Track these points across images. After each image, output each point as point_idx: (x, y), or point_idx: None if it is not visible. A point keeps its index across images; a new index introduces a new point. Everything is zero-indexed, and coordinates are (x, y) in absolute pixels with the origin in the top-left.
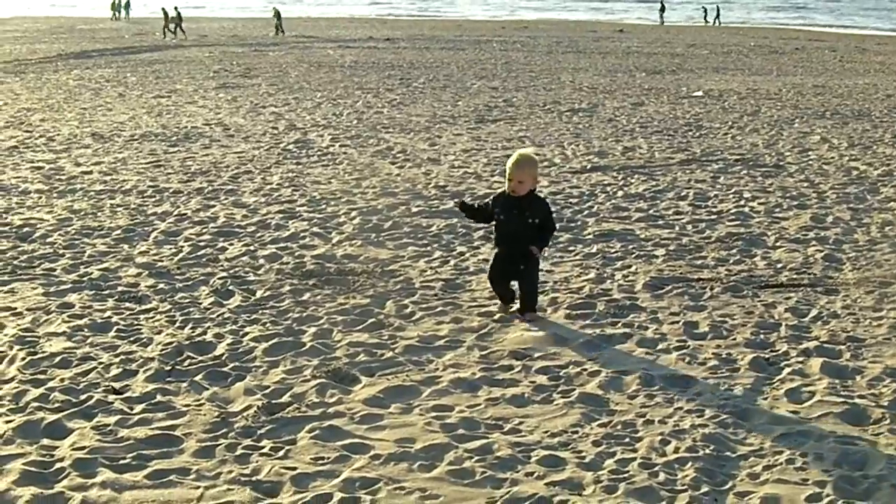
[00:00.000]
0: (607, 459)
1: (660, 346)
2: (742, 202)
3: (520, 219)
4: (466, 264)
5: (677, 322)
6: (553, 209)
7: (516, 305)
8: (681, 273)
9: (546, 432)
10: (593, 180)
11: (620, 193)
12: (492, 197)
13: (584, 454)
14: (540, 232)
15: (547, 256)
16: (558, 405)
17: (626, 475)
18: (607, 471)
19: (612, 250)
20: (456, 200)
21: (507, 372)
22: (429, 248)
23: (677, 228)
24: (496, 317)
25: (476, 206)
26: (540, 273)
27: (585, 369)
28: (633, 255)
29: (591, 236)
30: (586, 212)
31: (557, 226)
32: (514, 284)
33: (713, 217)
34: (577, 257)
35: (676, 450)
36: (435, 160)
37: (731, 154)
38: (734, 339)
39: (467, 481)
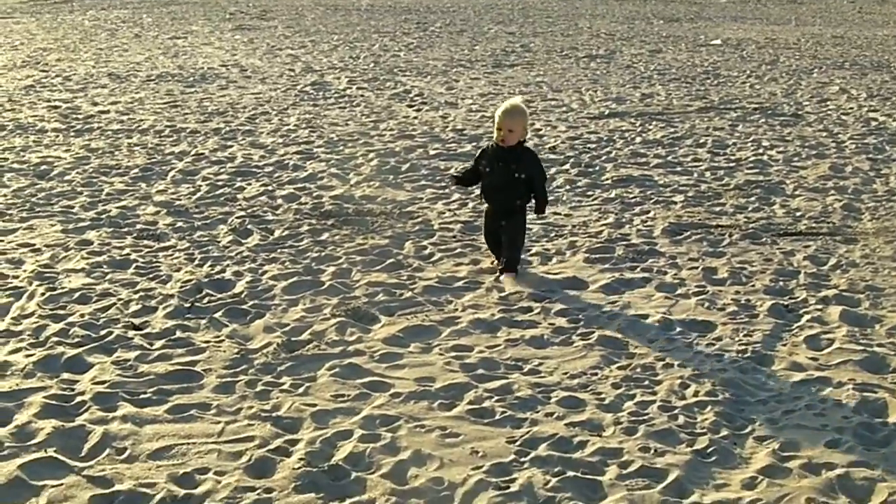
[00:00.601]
0: (627, 402)
1: (679, 291)
2: (760, 150)
3: (505, 171)
4: (485, 206)
5: (696, 268)
6: (546, 164)
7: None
8: (699, 219)
9: (565, 374)
10: (611, 126)
11: (638, 140)
12: (479, 151)
13: (603, 396)
14: (528, 189)
15: (565, 200)
16: (578, 347)
17: (645, 417)
18: (627, 413)
19: (631, 195)
20: (448, 175)
21: (526, 314)
22: (447, 191)
23: (696, 175)
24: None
25: (465, 169)
26: (536, 224)
27: (605, 312)
28: (652, 201)
29: (609, 181)
30: (604, 157)
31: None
32: None
33: (731, 165)
34: (596, 202)
35: (696, 393)
36: (452, 104)
37: (750, 103)
38: (753, 285)
39: (487, 420)
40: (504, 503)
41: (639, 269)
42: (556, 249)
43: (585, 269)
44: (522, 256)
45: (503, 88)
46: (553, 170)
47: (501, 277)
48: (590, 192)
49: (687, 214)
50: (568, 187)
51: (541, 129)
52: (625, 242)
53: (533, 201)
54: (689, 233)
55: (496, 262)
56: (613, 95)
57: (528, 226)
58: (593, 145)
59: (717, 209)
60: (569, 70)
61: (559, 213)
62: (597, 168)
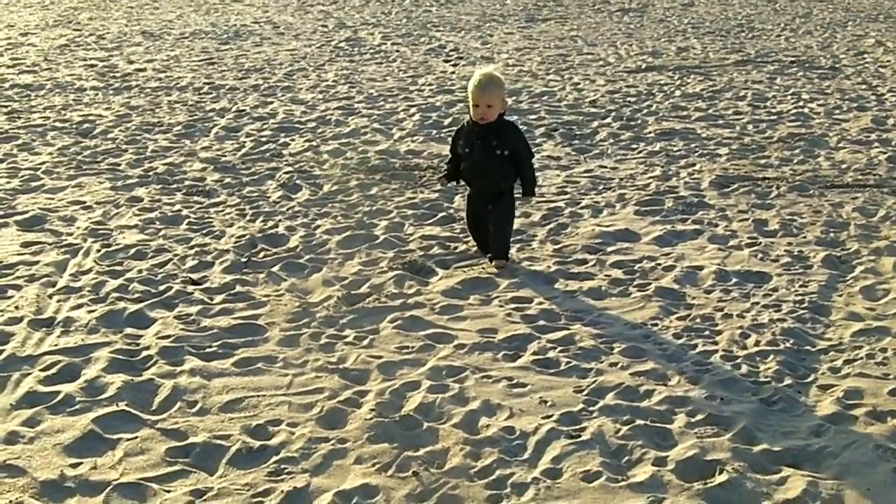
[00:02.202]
0: (689, 351)
1: (731, 243)
2: (801, 103)
3: (485, 150)
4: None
5: (746, 220)
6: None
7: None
8: (746, 172)
9: (626, 324)
10: (649, 80)
11: (678, 93)
12: (455, 131)
13: (665, 346)
14: (514, 168)
15: (612, 154)
16: (636, 298)
17: (708, 367)
18: (690, 362)
19: (675, 149)
20: (438, 179)
21: (581, 265)
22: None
23: (738, 128)
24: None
25: (448, 160)
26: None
27: (660, 264)
28: (697, 154)
29: (652, 134)
30: (645, 111)
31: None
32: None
33: (773, 118)
34: (641, 155)
35: (757, 343)
36: (488, 58)
37: (786, 56)
38: (804, 237)
39: (553, 370)
40: (576, 451)
41: (689, 222)
42: (606, 202)
43: (636, 222)
44: (572, 210)
45: (538, 43)
46: (595, 123)
47: (493, 264)
48: (634, 146)
49: (733, 167)
50: (612, 141)
51: (579, 84)
52: (673, 195)
53: (521, 183)
54: (736, 185)
55: (482, 254)
56: (649, 49)
57: (577, 177)
58: (633, 99)
59: (763, 161)
60: (602, 24)
61: (605, 167)
62: (639, 121)
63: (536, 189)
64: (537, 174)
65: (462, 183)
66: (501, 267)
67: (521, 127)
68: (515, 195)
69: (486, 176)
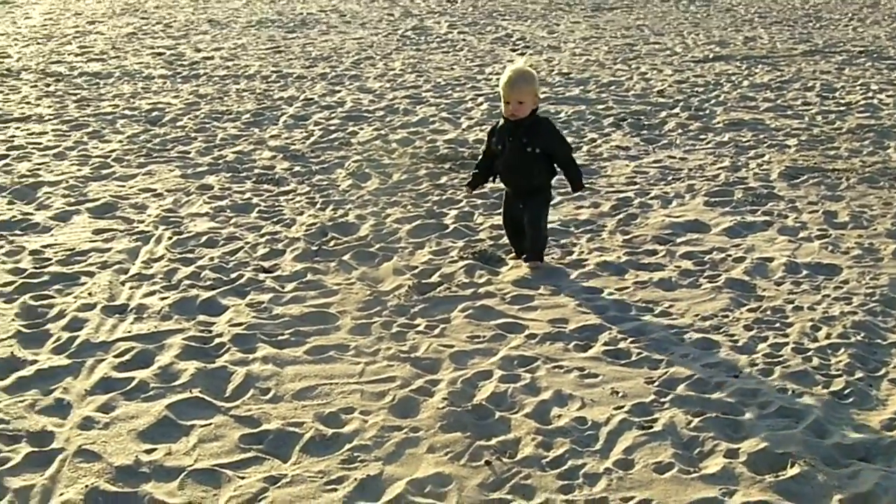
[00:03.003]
0: (760, 343)
1: (801, 235)
2: (870, 94)
3: (515, 147)
4: (599, 150)
5: (816, 211)
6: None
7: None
8: (815, 163)
9: (697, 315)
10: (717, 70)
11: (746, 83)
12: (489, 128)
13: (736, 338)
14: (548, 165)
15: (680, 144)
16: (706, 290)
17: (780, 359)
18: (761, 354)
19: (744, 139)
20: (464, 188)
21: (651, 256)
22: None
23: (807, 119)
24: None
25: (477, 164)
26: (549, 212)
27: (730, 255)
28: (766, 145)
29: (720, 125)
30: (713, 101)
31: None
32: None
33: (842, 108)
34: (710, 145)
35: (828, 336)
36: (555, 47)
37: (854, 46)
38: (875, 229)
39: (624, 361)
40: (648, 443)
41: (759, 213)
42: (675, 193)
43: (706, 213)
44: (642, 200)
45: (605, 32)
46: (663, 113)
47: (529, 264)
48: (702, 136)
49: (802, 158)
50: (680, 131)
51: (647, 73)
52: (743, 186)
53: (567, 180)
54: (805, 176)
55: (514, 255)
56: (716, 39)
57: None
58: (701, 89)
59: (832, 153)
60: (669, 13)
61: (674, 157)
62: (707, 112)
63: (584, 181)
64: (606, 164)
65: (496, 181)
66: (535, 268)
67: (557, 121)
68: (552, 192)
69: (518, 173)
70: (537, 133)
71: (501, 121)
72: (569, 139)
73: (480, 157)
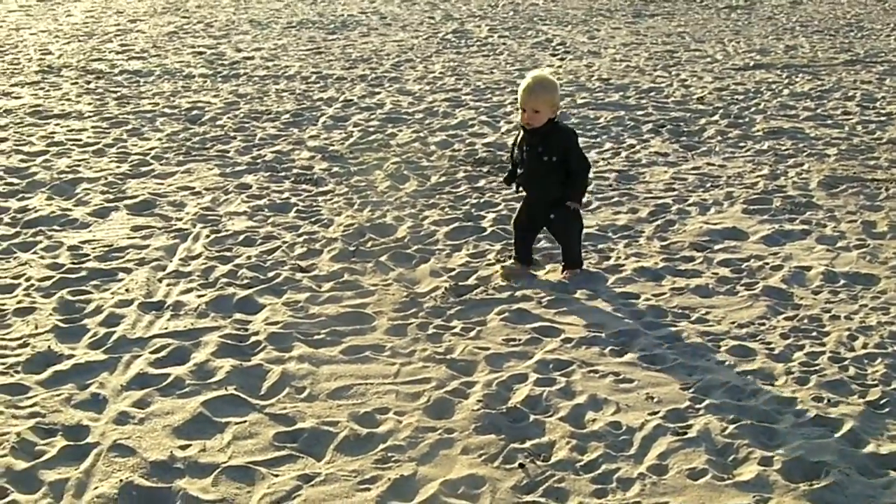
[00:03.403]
0: (796, 352)
1: (839, 244)
2: None
3: (532, 156)
4: (638, 156)
5: (855, 221)
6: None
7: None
8: (854, 173)
9: (733, 323)
10: (757, 78)
11: (786, 92)
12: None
13: (773, 346)
14: (566, 175)
15: (719, 151)
16: (743, 297)
17: (816, 368)
18: (797, 363)
19: (783, 148)
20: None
21: (688, 263)
22: (598, 140)
23: (847, 128)
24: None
25: (510, 168)
26: (583, 222)
27: (767, 263)
28: (805, 154)
29: (760, 133)
30: (753, 109)
31: (591, 163)
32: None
33: (882, 118)
34: (749, 153)
35: (865, 346)
36: (595, 53)
37: None
38: None
39: (659, 367)
40: (682, 449)
41: (797, 222)
42: (714, 200)
43: (744, 220)
44: (680, 207)
45: (645, 38)
46: (702, 120)
47: (565, 274)
48: (742, 144)
49: (841, 167)
50: (719, 138)
51: (687, 80)
52: (781, 194)
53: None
54: (844, 186)
55: (517, 263)
56: (757, 47)
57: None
58: (741, 97)
59: (872, 163)
60: (710, 20)
61: (713, 164)
62: (746, 119)
63: (583, 199)
64: (644, 170)
65: (519, 191)
66: (573, 276)
67: (571, 128)
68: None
69: (536, 183)
70: (553, 141)
71: (522, 127)
72: (607, 145)
73: (512, 160)
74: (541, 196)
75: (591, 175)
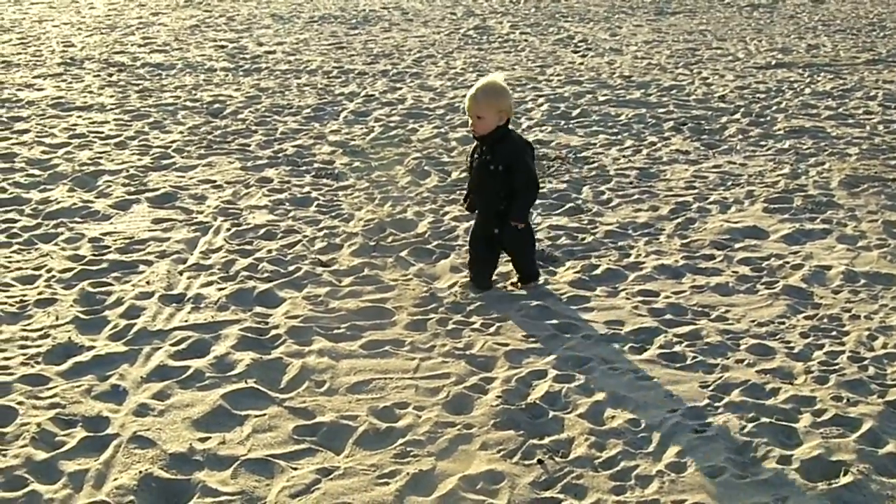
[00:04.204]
0: (816, 351)
1: (860, 244)
2: None
3: (479, 165)
4: (659, 154)
5: (876, 220)
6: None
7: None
8: (876, 172)
9: (753, 321)
10: (779, 77)
11: (808, 91)
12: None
13: (792, 345)
14: (512, 189)
15: (740, 150)
16: (763, 296)
17: (836, 367)
18: (817, 362)
19: (805, 147)
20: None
21: (709, 261)
22: (619, 137)
23: (868, 128)
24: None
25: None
26: (534, 234)
27: (787, 262)
28: (826, 153)
29: (781, 132)
30: (774, 107)
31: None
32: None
33: None
34: (770, 152)
35: (884, 345)
36: (617, 50)
37: None
38: None
39: (679, 365)
40: (701, 446)
41: (818, 221)
42: (735, 198)
43: (765, 219)
44: (700, 205)
45: (667, 36)
46: (724, 118)
47: (523, 288)
48: (763, 142)
49: (863, 167)
50: (740, 137)
51: (708, 78)
52: (802, 193)
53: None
54: (865, 185)
55: (471, 282)
56: (779, 45)
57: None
58: (762, 95)
59: (893, 162)
60: (731, 19)
61: (734, 163)
62: (768, 118)
63: (526, 216)
64: (665, 168)
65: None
66: (532, 288)
67: (525, 140)
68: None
69: (481, 193)
70: (500, 151)
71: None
72: (628, 142)
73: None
74: (484, 207)
75: (538, 191)
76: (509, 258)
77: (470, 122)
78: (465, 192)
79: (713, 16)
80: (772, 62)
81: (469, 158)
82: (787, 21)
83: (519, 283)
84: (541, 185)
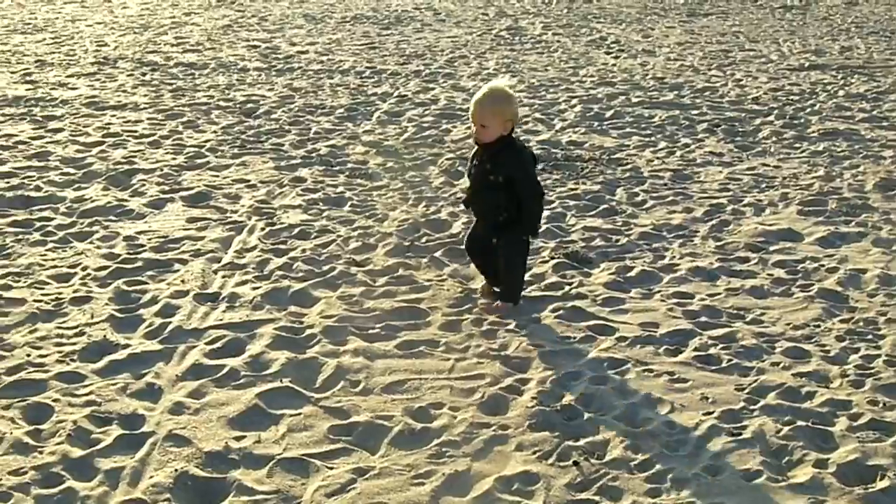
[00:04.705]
0: (852, 355)
1: (895, 248)
2: None
3: (479, 173)
4: (693, 156)
5: None
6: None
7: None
8: None
9: (788, 324)
10: (812, 78)
11: (841, 93)
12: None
13: (828, 348)
14: (510, 199)
15: (774, 152)
16: (798, 299)
17: (872, 371)
18: (853, 366)
19: (839, 149)
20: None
21: (743, 263)
22: (653, 139)
23: None
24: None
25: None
26: (527, 258)
27: (822, 265)
28: (861, 156)
29: (815, 134)
30: (808, 110)
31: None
32: None
33: None
34: (804, 154)
35: None
36: (650, 52)
37: None
38: None
39: (714, 367)
40: (737, 449)
41: (853, 224)
42: (769, 201)
43: (799, 222)
44: (735, 207)
45: (699, 37)
46: (757, 120)
47: (500, 307)
48: (797, 145)
49: None
50: (774, 139)
51: (741, 80)
52: (837, 196)
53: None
54: None
55: (486, 284)
56: (812, 47)
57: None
58: (796, 97)
59: None
60: (764, 20)
61: (768, 165)
62: (802, 120)
63: (537, 229)
64: (699, 170)
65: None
66: (505, 310)
67: (529, 150)
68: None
69: (480, 203)
70: (502, 160)
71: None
72: (661, 143)
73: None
74: (483, 217)
75: (544, 201)
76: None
77: (473, 128)
78: (464, 194)
79: (746, 17)
80: (805, 64)
81: (469, 164)
82: (820, 23)
83: (498, 304)
84: (545, 193)
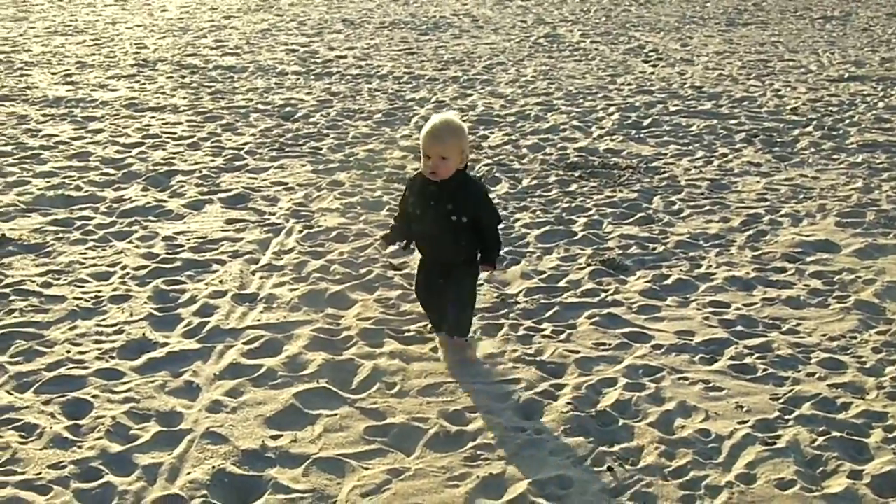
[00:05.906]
0: (888, 367)
1: None
2: None
3: (437, 214)
4: (730, 165)
5: None
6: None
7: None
8: None
9: (824, 335)
10: (852, 90)
11: (881, 105)
12: (408, 178)
13: (864, 359)
14: (476, 235)
15: (813, 163)
16: (835, 310)
17: None
18: (889, 377)
19: (878, 161)
20: (378, 239)
21: (780, 274)
22: (691, 147)
23: None
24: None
25: (392, 223)
26: (477, 288)
27: (860, 276)
28: None
29: (854, 146)
30: (847, 121)
31: (504, 225)
32: None
33: None
34: (842, 166)
35: None
36: (688, 61)
37: None
38: None
39: (749, 377)
40: (771, 459)
41: (891, 236)
42: (806, 211)
43: (837, 233)
44: (772, 217)
45: (738, 47)
46: (796, 131)
47: (453, 342)
48: (835, 156)
49: None
50: (812, 150)
51: (780, 90)
52: (875, 208)
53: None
54: None
55: (432, 326)
56: (852, 58)
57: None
58: (835, 108)
59: None
60: (804, 31)
61: (806, 176)
62: (840, 132)
63: (498, 260)
64: (737, 180)
65: (411, 249)
66: (459, 348)
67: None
68: (477, 267)
69: (439, 246)
70: (465, 199)
71: (418, 174)
72: (699, 153)
73: (397, 211)
74: (440, 259)
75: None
76: (445, 310)
77: (425, 161)
78: (394, 226)
79: (785, 27)
80: (845, 75)
81: (411, 202)
82: (860, 34)
83: (451, 335)
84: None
